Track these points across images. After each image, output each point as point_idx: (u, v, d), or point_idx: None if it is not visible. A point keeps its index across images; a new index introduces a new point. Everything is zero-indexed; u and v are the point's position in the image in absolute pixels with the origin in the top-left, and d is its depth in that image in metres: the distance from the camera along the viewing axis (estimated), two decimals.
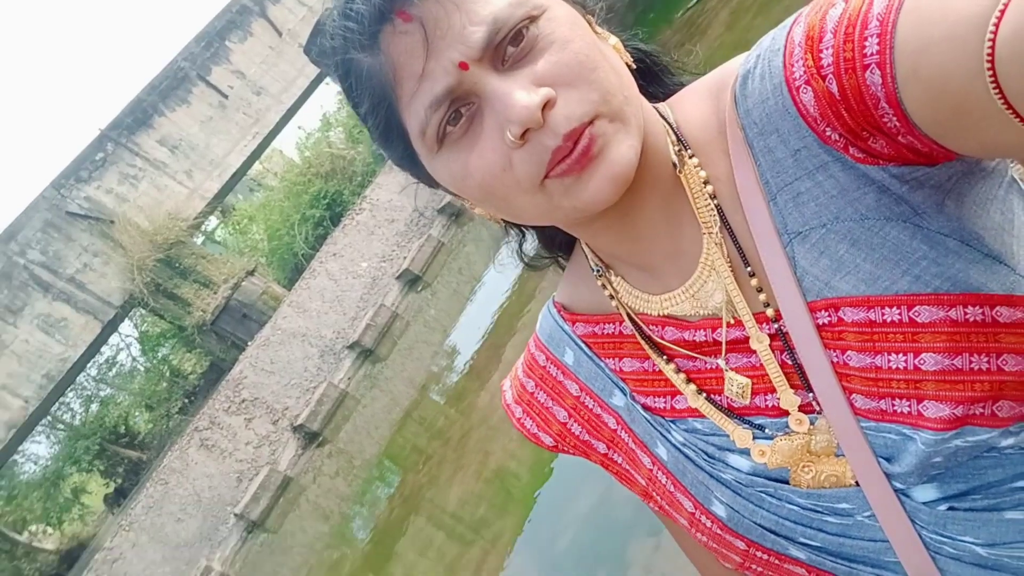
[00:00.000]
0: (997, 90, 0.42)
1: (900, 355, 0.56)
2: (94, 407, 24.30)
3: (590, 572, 4.51)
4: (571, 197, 0.58)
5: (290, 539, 10.69)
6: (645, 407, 0.73)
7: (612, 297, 0.72)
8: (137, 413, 24.66)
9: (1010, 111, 0.42)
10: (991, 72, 0.41)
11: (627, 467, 0.78)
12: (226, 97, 16.43)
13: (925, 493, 0.58)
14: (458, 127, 0.58)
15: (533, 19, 0.57)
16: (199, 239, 19.93)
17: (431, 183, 0.66)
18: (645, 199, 0.64)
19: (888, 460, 0.58)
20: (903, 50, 0.46)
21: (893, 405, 0.57)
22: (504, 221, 0.70)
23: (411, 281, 13.16)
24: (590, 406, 0.78)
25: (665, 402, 0.72)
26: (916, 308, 0.55)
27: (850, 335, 0.58)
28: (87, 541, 21.33)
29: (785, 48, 0.55)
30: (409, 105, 0.58)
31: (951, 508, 0.57)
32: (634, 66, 0.66)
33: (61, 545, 22.26)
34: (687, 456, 0.70)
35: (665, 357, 0.70)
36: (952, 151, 0.50)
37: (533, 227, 0.78)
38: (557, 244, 0.81)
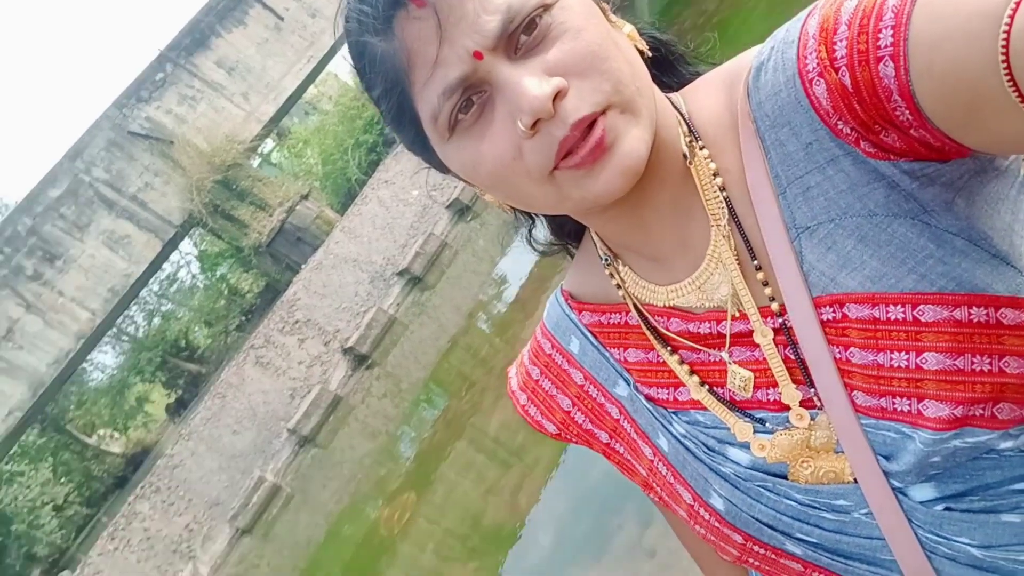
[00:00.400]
0: (1012, 84, 0.41)
1: (902, 353, 0.55)
2: (156, 321, 25.40)
3: (619, 504, 4.62)
4: (581, 189, 0.58)
5: (339, 455, 11.12)
6: (648, 398, 0.73)
7: (619, 287, 0.72)
8: (197, 328, 25.70)
9: None
10: (1006, 66, 0.41)
11: (629, 457, 0.78)
12: (282, 19, 16.32)
13: (922, 492, 0.58)
14: (470, 115, 0.58)
15: (546, 7, 0.56)
16: (255, 162, 20.18)
17: (442, 168, 0.66)
18: (655, 190, 0.64)
19: (887, 458, 0.58)
20: (917, 43, 0.45)
21: (893, 403, 0.57)
22: (514, 208, 0.70)
23: (460, 211, 13.17)
24: (594, 395, 0.78)
25: (668, 393, 0.72)
26: (920, 307, 0.54)
27: (854, 331, 0.57)
28: (150, 447, 22.64)
29: (799, 40, 0.53)
30: (422, 91, 0.58)
31: (948, 508, 0.57)
32: (649, 54, 0.65)
33: (127, 449, 23.70)
34: (687, 448, 0.70)
35: (669, 348, 0.70)
36: (965, 146, 0.49)
37: (543, 214, 0.77)
38: (567, 232, 0.80)
